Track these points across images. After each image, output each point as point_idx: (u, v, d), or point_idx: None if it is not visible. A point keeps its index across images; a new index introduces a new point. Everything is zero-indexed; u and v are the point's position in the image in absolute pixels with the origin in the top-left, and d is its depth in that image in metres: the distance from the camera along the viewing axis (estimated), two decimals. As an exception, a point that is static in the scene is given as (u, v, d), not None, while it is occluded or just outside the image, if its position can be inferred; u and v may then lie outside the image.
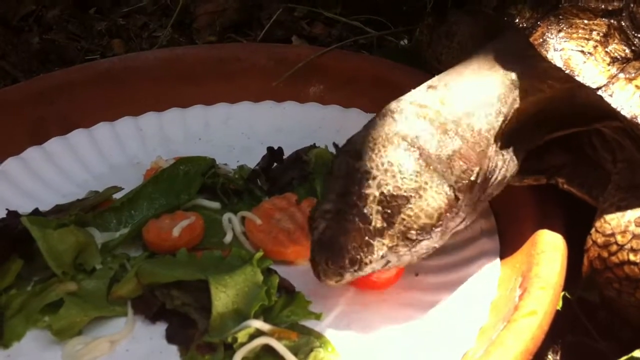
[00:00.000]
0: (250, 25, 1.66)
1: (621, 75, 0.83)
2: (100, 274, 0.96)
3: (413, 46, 1.43)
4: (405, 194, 0.80)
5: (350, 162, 0.83)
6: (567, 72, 0.83)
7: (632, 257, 0.81)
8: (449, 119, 0.84)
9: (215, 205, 1.08)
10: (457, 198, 0.83)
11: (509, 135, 0.88)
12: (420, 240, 0.83)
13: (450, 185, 0.82)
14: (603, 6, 0.85)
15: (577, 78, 0.83)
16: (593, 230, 0.86)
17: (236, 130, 1.28)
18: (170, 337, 0.90)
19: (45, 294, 0.93)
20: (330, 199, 0.83)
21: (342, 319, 0.92)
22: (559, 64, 0.84)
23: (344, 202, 0.82)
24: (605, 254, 0.83)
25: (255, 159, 1.15)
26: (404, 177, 0.81)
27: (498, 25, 0.95)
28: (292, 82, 1.32)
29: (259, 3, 1.67)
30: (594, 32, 0.84)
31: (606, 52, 0.84)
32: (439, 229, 0.83)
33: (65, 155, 1.21)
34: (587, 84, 0.83)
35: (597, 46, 0.84)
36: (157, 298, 0.92)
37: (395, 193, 0.80)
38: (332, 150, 1.15)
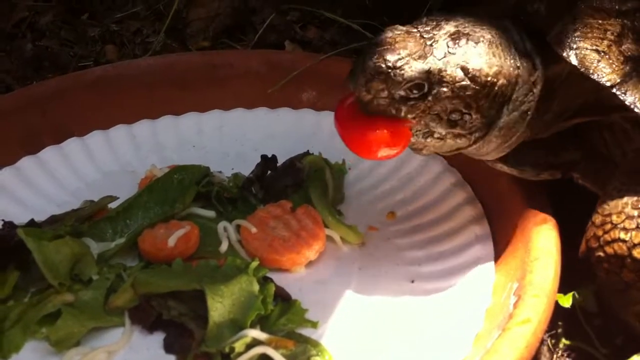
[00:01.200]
0: (243, 30, 1.66)
1: (635, 73, 0.86)
2: (97, 284, 0.97)
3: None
4: (481, 36, 0.86)
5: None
6: (582, 70, 0.86)
7: (622, 235, 0.83)
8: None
9: (210, 213, 1.08)
10: (516, 81, 0.87)
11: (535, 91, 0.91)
12: (469, 85, 0.84)
13: (518, 64, 0.87)
14: (617, 7, 0.88)
15: (592, 76, 0.86)
16: (594, 212, 0.88)
17: (230, 137, 1.28)
18: (168, 347, 0.91)
19: (42, 305, 0.93)
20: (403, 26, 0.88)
21: (339, 327, 0.93)
22: (575, 62, 0.86)
23: (416, 27, 0.87)
24: (600, 233, 0.85)
25: (249, 165, 1.16)
26: (484, 28, 0.88)
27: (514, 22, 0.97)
28: (286, 88, 1.32)
29: (251, 8, 1.67)
30: (608, 32, 0.87)
31: (620, 51, 0.86)
32: (488, 91, 0.85)
33: (60, 164, 1.21)
34: (601, 82, 0.85)
35: (611, 45, 0.87)
36: (153, 308, 0.92)
37: (471, 33, 0.86)
38: (326, 156, 1.15)
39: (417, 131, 0.87)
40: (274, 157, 1.14)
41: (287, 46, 1.58)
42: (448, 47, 0.85)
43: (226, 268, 0.96)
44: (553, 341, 0.95)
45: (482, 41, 0.86)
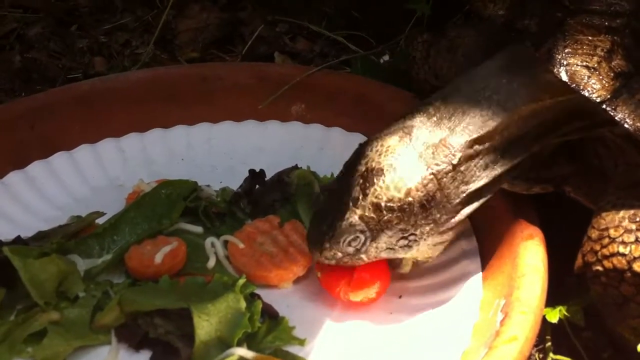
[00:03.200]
0: (232, 41, 1.66)
1: (624, 89, 0.86)
2: (83, 302, 0.96)
3: (394, 62, 1.43)
4: (382, 167, 0.87)
5: (356, 150, 0.93)
6: (572, 86, 0.86)
7: (621, 249, 0.83)
8: (445, 115, 0.91)
9: (198, 229, 1.08)
10: (434, 179, 0.88)
11: (508, 138, 0.92)
12: (391, 217, 0.87)
13: (427, 166, 0.88)
14: (607, 23, 0.88)
15: (582, 92, 0.86)
16: (590, 226, 0.88)
17: (219, 150, 1.28)
18: (154, 366, 0.90)
19: (28, 323, 0.92)
20: (335, 179, 0.94)
21: (326, 344, 0.92)
22: (565, 78, 0.86)
23: (339, 180, 0.92)
24: (597, 247, 0.85)
25: (238, 179, 1.15)
26: (387, 154, 0.88)
27: (504, 38, 0.97)
28: (275, 101, 1.32)
29: (240, 19, 1.67)
30: (598, 48, 0.87)
31: (610, 67, 0.87)
32: (409, 208, 0.87)
33: (47, 179, 1.20)
34: (592, 98, 0.86)
35: (601, 61, 0.87)
36: (140, 326, 0.92)
37: (375, 166, 0.88)
38: (315, 170, 1.15)
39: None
40: (261, 172, 1.14)
41: (276, 58, 1.59)
42: (361, 191, 0.87)
43: (213, 285, 0.95)
44: (541, 355, 0.95)
45: (387, 169, 0.87)
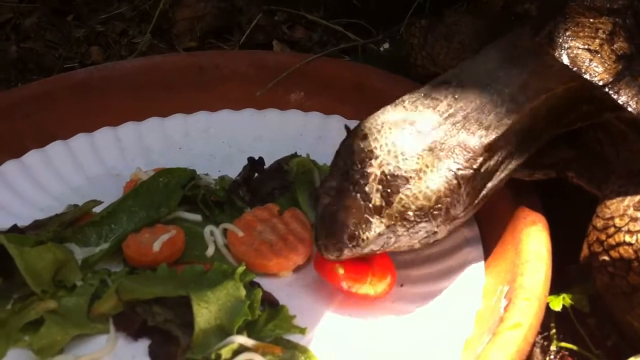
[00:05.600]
0: (230, 30, 1.65)
1: (627, 72, 0.85)
2: (81, 290, 0.95)
3: (394, 50, 1.42)
4: (405, 174, 0.85)
5: (356, 141, 0.88)
6: (574, 70, 0.85)
7: (627, 239, 0.82)
8: (459, 113, 0.88)
9: (197, 217, 1.07)
10: (458, 184, 0.86)
11: (520, 132, 0.92)
12: (419, 222, 0.86)
13: (451, 171, 0.86)
14: (608, 5, 0.88)
15: (584, 76, 0.85)
16: (594, 216, 0.87)
17: (217, 139, 1.27)
18: (153, 355, 0.89)
19: (25, 312, 0.91)
20: (334, 176, 0.88)
21: (327, 333, 0.91)
22: (566, 62, 0.85)
23: (346, 180, 0.86)
24: (603, 237, 0.84)
25: (236, 167, 1.14)
26: (406, 159, 0.85)
27: (503, 23, 0.96)
28: (273, 89, 1.31)
29: (238, 8, 1.66)
30: (600, 31, 0.86)
31: (612, 50, 0.86)
32: (437, 213, 0.86)
33: (43, 168, 1.19)
34: (594, 82, 0.85)
35: (603, 44, 0.86)
36: (138, 315, 0.91)
37: (395, 173, 0.85)
38: (314, 158, 1.14)
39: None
40: (260, 160, 1.13)
41: (274, 46, 1.58)
42: (383, 199, 0.85)
43: (212, 273, 0.94)
44: (545, 343, 0.94)
45: (411, 177, 0.85)
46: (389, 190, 0.85)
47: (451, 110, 0.89)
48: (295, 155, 1.14)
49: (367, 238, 0.85)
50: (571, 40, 0.86)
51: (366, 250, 0.87)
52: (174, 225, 1.03)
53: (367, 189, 0.85)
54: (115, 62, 1.41)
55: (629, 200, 0.84)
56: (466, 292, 0.92)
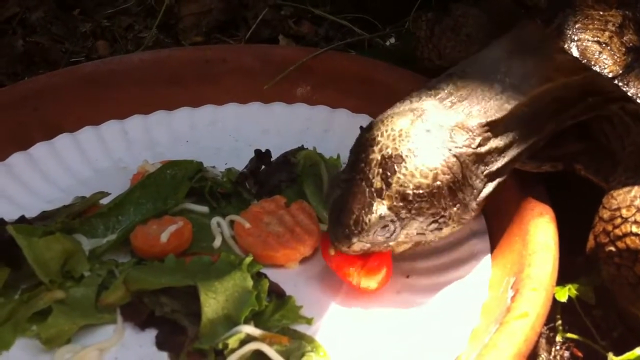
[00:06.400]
0: (236, 26, 1.65)
1: (636, 64, 0.85)
2: (88, 281, 0.95)
3: (401, 45, 1.42)
4: (401, 153, 0.85)
5: (364, 134, 0.90)
6: (583, 62, 0.85)
7: (634, 229, 0.82)
8: (460, 99, 0.89)
9: (204, 209, 1.07)
10: (458, 163, 0.86)
11: (522, 119, 0.92)
12: (420, 202, 0.85)
13: (448, 149, 0.86)
14: None
15: (594, 68, 0.85)
16: (600, 207, 0.87)
17: (223, 132, 1.27)
18: (160, 344, 0.89)
19: (33, 302, 0.92)
20: (346, 169, 0.90)
21: (334, 323, 0.92)
22: (576, 54, 0.86)
23: (354, 170, 0.88)
24: (609, 228, 0.84)
25: (243, 161, 1.14)
26: (402, 139, 0.86)
27: (510, 16, 0.96)
28: (279, 83, 1.31)
29: (244, 3, 1.66)
30: (609, 23, 0.87)
31: (621, 42, 0.86)
32: (438, 192, 0.86)
33: (51, 161, 1.19)
34: (603, 74, 0.85)
35: (612, 37, 0.86)
36: (146, 305, 0.91)
37: (392, 153, 0.85)
38: (320, 151, 1.14)
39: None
40: (268, 152, 1.13)
41: (280, 41, 1.58)
42: (383, 181, 0.85)
43: (220, 264, 0.95)
44: (551, 334, 0.94)
45: (407, 155, 0.85)
46: (388, 172, 0.85)
47: (452, 97, 0.90)
48: (302, 148, 1.15)
49: (370, 220, 0.85)
50: (581, 32, 0.86)
51: (371, 235, 0.87)
52: (181, 216, 1.04)
53: (370, 174, 0.86)
54: (122, 56, 1.42)
55: (636, 191, 0.84)
56: (472, 284, 0.92)
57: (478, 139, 0.88)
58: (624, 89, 0.84)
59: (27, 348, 0.90)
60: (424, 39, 1.20)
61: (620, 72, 0.85)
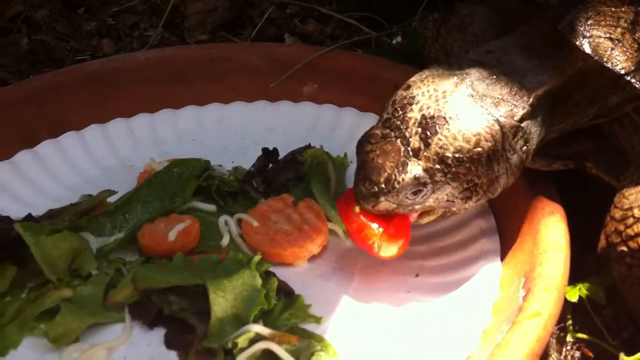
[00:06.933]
0: (242, 24, 1.65)
1: None
2: (96, 279, 0.95)
3: (407, 43, 1.42)
4: (444, 115, 0.84)
5: (399, 92, 0.89)
6: (596, 58, 0.85)
7: None
8: (502, 74, 0.88)
9: (211, 207, 1.06)
10: (501, 131, 0.85)
11: (553, 100, 0.91)
12: (458, 167, 0.84)
13: (493, 116, 0.85)
14: None
15: (606, 64, 0.85)
16: (612, 206, 0.86)
17: (230, 131, 1.27)
18: (169, 343, 0.89)
19: (40, 300, 0.91)
20: (378, 125, 0.88)
21: (343, 322, 0.91)
22: (588, 50, 0.85)
23: (388, 127, 0.86)
24: (621, 227, 0.84)
25: (249, 159, 1.14)
26: (447, 102, 0.85)
27: (517, 14, 0.95)
28: (286, 81, 1.30)
29: (250, 1, 1.66)
30: (622, 20, 0.87)
31: (634, 39, 0.86)
32: (477, 158, 0.84)
33: (57, 159, 1.19)
34: (616, 70, 0.85)
35: (624, 33, 0.86)
36: (154, 303, 0.91)
37: (435, 115, 0.84)
38: (327, 150, 1.14)
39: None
40: (275, 150, 1.13)
41: (286, 40, 1.57)
42: (422, 141, 0.84)
43: (228, 262, 0.94)
44: (562, 334, 0.94)
45: (450, 117, 0.84)
46: (428, 133, 0.83)
47: (495, 69, 0.88)
48: (309, 146, 1.14)
49: (403, 180, 0.83)
50: (593, 29, 0.86)
51: (401, 196, 0.85)
52: (188, 215, 1.03)
53: (407, 133, 0.84)
54: (127, 54, 1.41)
55: None
56: (483, 283, 0.92)
57: (521, 112, 0.87)
58: (637, 86, 0.84)
59: (34, 347, 0.89)
60: (430, 38, 1.20)
61: (633, 68, 0.84)
